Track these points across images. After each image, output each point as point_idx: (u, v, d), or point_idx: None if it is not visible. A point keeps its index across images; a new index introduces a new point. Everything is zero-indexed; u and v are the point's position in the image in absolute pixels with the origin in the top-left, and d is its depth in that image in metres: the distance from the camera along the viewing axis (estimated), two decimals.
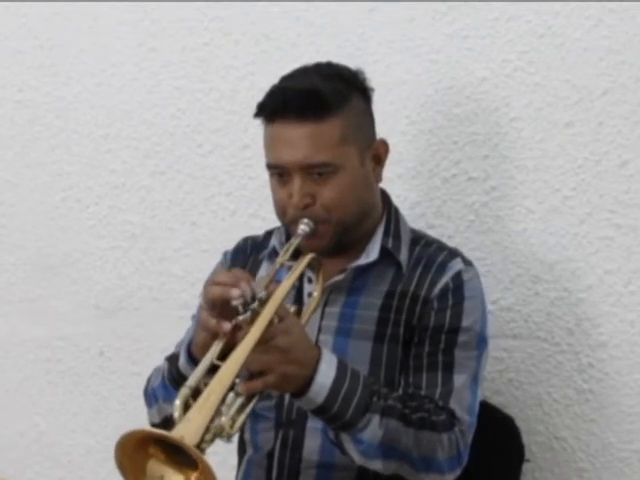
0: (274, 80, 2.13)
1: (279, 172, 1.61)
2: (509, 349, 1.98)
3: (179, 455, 1.22)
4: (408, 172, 2.00)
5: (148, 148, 2.30)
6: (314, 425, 1.61)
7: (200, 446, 1.23)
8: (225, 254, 1.80)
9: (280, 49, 2.12)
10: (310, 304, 1.59)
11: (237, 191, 2.21)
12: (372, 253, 1.65)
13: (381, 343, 1.62)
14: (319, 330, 1.64)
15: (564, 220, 1.91)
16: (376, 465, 1.51)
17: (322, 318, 1.65)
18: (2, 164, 2.46)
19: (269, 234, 1.77)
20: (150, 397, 1.67)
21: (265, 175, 2.16)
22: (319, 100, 1.55)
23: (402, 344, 1.62)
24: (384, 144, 1.68)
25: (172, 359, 1.61)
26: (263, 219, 2.14)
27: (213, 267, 1.80)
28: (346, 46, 2.03)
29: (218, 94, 2.20)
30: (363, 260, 1.65)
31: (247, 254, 1.77)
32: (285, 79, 1.64)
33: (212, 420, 1.28)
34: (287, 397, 1.63)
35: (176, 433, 1.21)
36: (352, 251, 1.65)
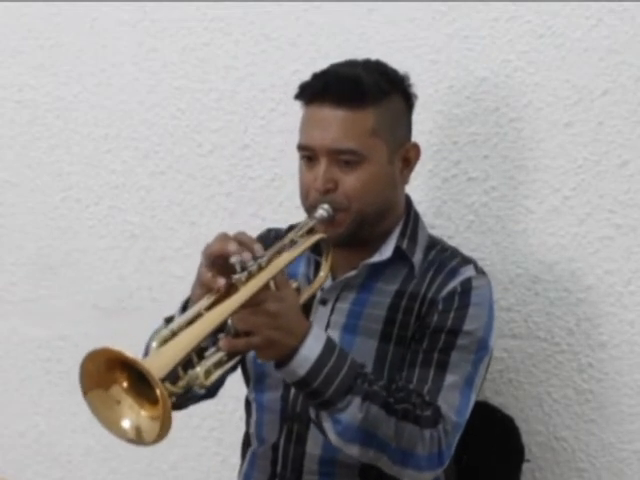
0: (274, 80, 2.14)
1: (308, 155, 1.62)
2: (509, 349, 1.98)
3: (143, 388, 1.22)
4: None
5: (148, 148, 2.30)
6: None
7: (166, 383, 1.23)
8: None
9: (280, 49, 2.12)
10: (314, 284, 1.60)
11: (237, 191, 2.21)
12: (386, 252, 1.65)
13: (387, 343, 1.61)
14: (328, 325, 1.65)
15: (564, 220, 1.91)
16: (353, 450, 1.49)
17: (332, 313, 1.65)
18: (2, 164, 2.46)
19: (291, 228, 1.76)
20: (144, 356, 1.68)
21: (265, 175, 2.18)
22: (358, 88, 1.58)
23: (408, 347, 1.61)
24: (416, 148, 1.68)
25: (169, 320, 1.62)
26: (263, 219, 2.14)
27: None
28: (346, 46, 2.03)
29: (218, 94, 2.20)
30: (376, 258, 1.65)
31: (269, 245, 1.77)
32: (332, 66, 1.66)
33: (185, 363, 1.30)
34: (293, 390, 1.63)
35: (144, 362, 1.21)
36: (367, 249, 1.66)
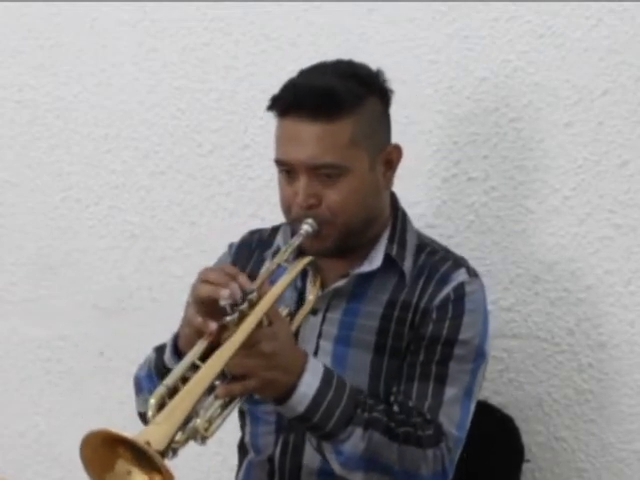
0: (274, 80, 2.13)
1: (286, 169, 1.57)
2: (509, 349, 1.98)
3: (146, 455, 1.18)
4: (408, 172, 2.00)
5: (148, 148, 2.30)
6: None
7: (169, 449, 1.21)
8: (230, 246, 1.78)
9: (280, 49, 2.12)
10: (304, 308, 1.58)
11: (237, 191, 2.21)
12: (375, 260, 1.61)
13: (381, 356, 1.59)
14: (319, 335, 1.62)
15: (564, 220, 1.91)
16: (357, 477, 1.49)
17: (323, 322, 1.62)
18: (2, 164, 2.46)
19: (275, 230, 1.74)
20: (137, 386, 1.67)
21: (265, 175, 2.18)
22: (332, 100, 1.52)
23: (403, 359, 1.59)
24: (397, 149, 1.64)
25: (160, 350, 1.60)
26: (262, 219, 2.14)
27: (218, 258, 1.79)
28: (346, 46, 2.03)
29: (218, 94, 2.21)
30: (366, 267, 1.61)
31: (252, 249, 1.75)
32: (302, 74, 1.60)
33: (185, 422, 1.26)
34: None
35: (142, 437, 1.18)
36: (355, 256, 1.62)
